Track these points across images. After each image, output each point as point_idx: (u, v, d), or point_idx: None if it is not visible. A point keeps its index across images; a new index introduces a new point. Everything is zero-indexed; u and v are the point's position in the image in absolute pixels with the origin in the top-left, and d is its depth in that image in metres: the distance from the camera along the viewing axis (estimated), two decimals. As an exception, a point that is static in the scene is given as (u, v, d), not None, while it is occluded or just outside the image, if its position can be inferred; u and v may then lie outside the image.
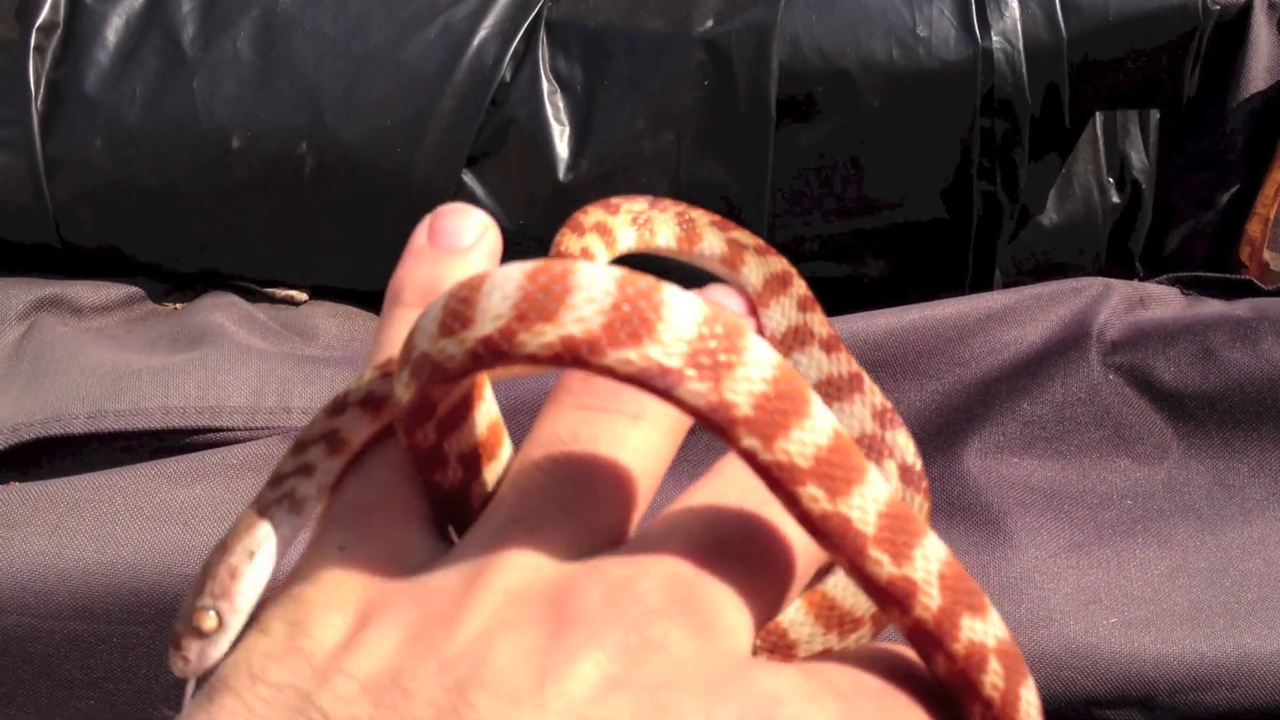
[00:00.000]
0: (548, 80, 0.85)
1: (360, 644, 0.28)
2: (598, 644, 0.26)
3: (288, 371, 0.76)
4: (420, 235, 0.35)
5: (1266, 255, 0.89)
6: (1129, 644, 0.69)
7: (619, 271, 0.27)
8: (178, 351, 0.79)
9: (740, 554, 0.29)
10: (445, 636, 0.27)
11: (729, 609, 0.28)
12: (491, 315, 0.27)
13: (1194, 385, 0.76)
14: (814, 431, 0.28)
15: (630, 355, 0.26)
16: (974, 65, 0.82)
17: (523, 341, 0.27)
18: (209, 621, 0.29)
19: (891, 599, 0.28)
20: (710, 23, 0.84)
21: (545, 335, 0.26)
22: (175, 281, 0.89)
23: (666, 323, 0.27)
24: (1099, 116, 0.89)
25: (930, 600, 0.29)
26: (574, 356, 0.27)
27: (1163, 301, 0.81)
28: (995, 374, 0.77)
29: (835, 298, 0.85)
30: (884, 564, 0.28)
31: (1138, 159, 0.91)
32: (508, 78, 0.85)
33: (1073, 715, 0.69)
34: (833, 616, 0.36)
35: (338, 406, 0.32)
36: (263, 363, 0.77)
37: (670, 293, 0.27)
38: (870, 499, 0.28)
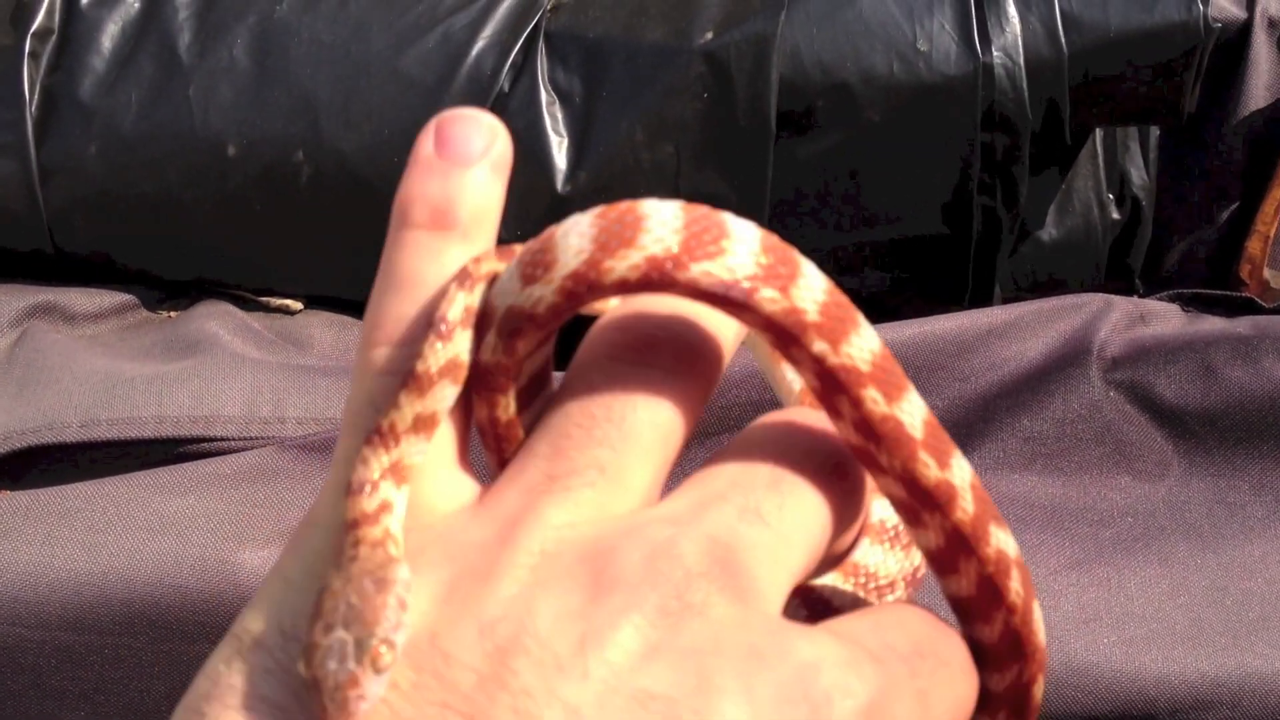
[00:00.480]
0: (546, 91, 0.85)
1: None
2: (637, 608, 0.27)
3: (283, 381, 0.75)
4: (426, 144, 0.32)
5: (1267, 273, 0.89)
6: (1130, 662, 0.69)
7: (677, 201, 0.29)
8: (171, 360, 0.78)
9: (774, 517, 0.29)
10: (481, 595, 0.27)
11: (764, 570, 0.29)
12: (573, 252, 0.29)
13: (1195, 403, 0.76)
14: (869, 339, 0.30)
15: (710, 268, 0.28)
16: (975, 80, 0.81)
17: (610, 268, 0.29)
18: (388, 657, 0.26)
19: (935, 501, 0.30)
20: (710, 35, 0.84)
21: (630, 258, 0.28)
22: (169, 290, 0.88)
23: (733, 239, 0.29)
24: (1099, 133, 0.89)
25: (968, 505, 0.30)
26: (660, 274, 0.29)
27: (1163, 318, 0.81)
28: (995, 390, 0.77)
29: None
30: (931, 467, 0.30)
31: (1138, 175, 0.91)
32: (506, 88, 0.85)
33: (1073, 734, 0.69)
34: (869, 583, 0.37)
35: (420, 384, 0.30)
36: (257, 372, 0.76)
37: (729, 215, 0.29)
38: (916, 406, 0.30)
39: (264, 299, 0.87)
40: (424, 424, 0.30)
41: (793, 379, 0.39)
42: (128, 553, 0.68)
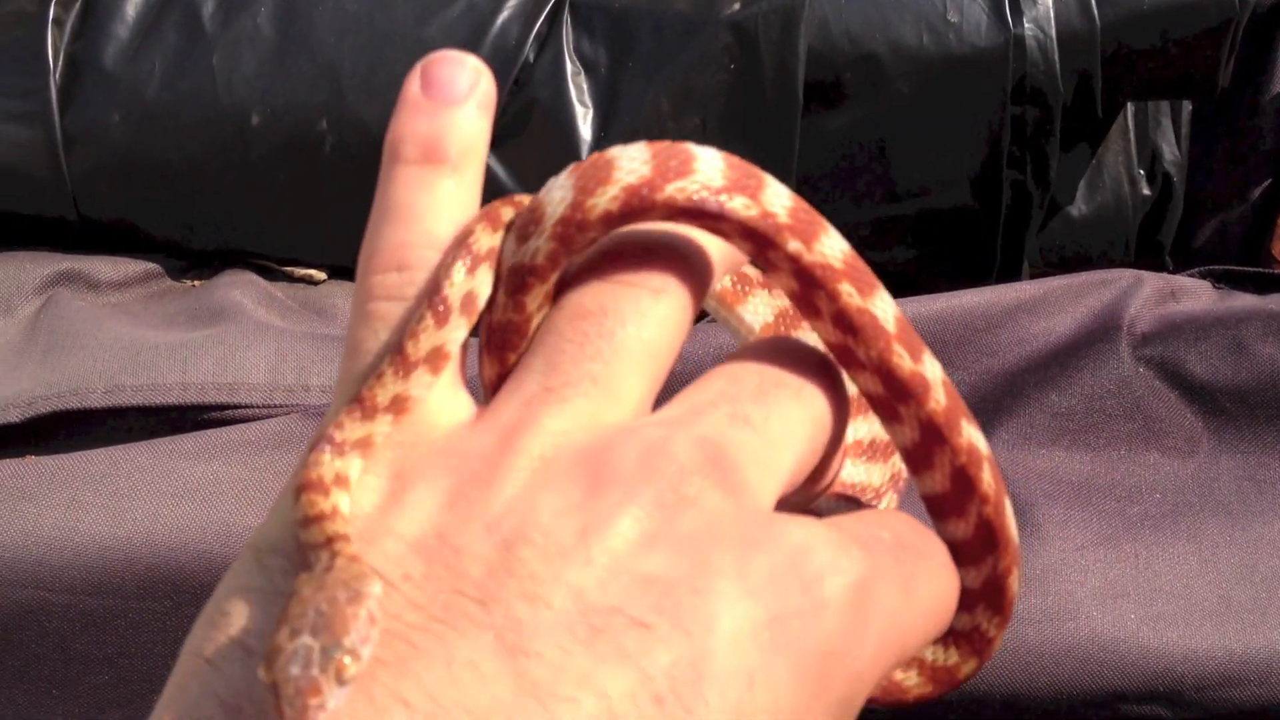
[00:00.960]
0: (571, 61, 0.84)
1: (402, 506, 0.29)
2: (635, 501, 0.28)
3: (306, 350, 0.75)
4: (413, 85, 0.33)
5: (1298, 250, 0.88)
6: (1156, 638, 0.68)
7: (641, 142, 0.32)
8: (196, 328, 0.78)
9: (761, 423, 0.31)
10: (485, 498, 0.28)
11: (754, 471, 0.30)
12: (558, 202, 0.31)
13: (1225, 379, 0.75)
14: (838, 240, 0.32)
15: (683, 185, 0.31)
16: (1005, 52, 0.81)
17: (593, 205, 0.31)
18: (353, 669, 0.26)
19: (910, 392, 0.32)
20: (737, 5, 0.83)
21: (609, 192, 0.31)
22: (193, 259, 0.88)
23: (699, 161, 0.32)
24: (1131, 107, 0.88)
25: (940, 397, 0.32)
26: (639, 199, 0.31)
27: (1194, 295, 0.80)
28: (1024, 365, 0.76)
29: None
30: (905, 359, 0.32)
31: (1169, 151, 0.90)
32: (531, 58, 0.84)
33: (1098, 709, 0.68)
34: (855, 493, 0.39)
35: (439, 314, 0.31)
36: (281, 340, 0.76)
37: (691, 143, 0.32)
38: (888, 304, 0.32)
39: (287, 269, 0.87)
40: (436, 357, 0.31)
41: (752, 320, 0.41)
42: (151, 518, 0.68)
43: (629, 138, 0.81)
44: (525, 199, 0.33)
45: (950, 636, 0.35)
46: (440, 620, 0.27)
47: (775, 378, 0.32)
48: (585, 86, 0.84)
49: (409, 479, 0.29)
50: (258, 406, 0.73)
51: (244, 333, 0.76)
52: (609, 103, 0.83)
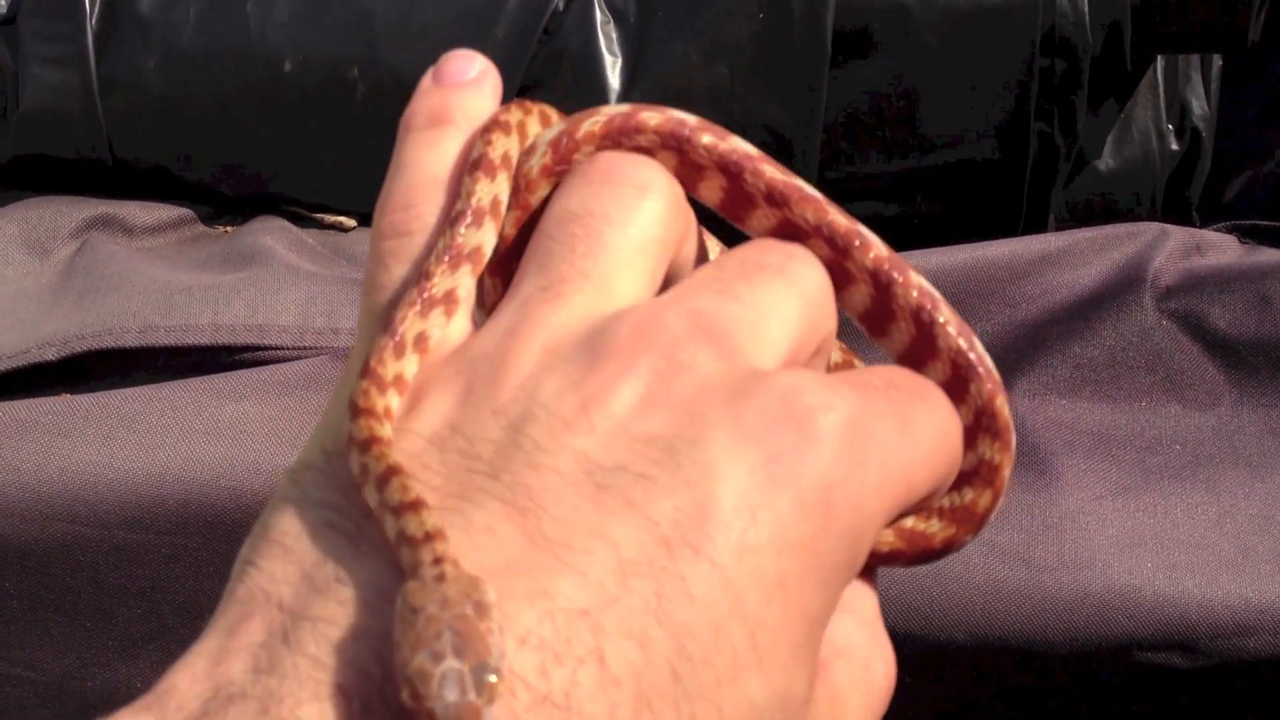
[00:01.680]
0: (600, 10, 0.85)
1: (419, 411, 0.31)
2: (632, 371, 0.30)
3: (336, 293, 0.76)
4: (426, 79, 0.37)
5: (1327, 205, 0.87)
6: (1173, 587, 0.69)
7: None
8: (228, 272, 0.79)
9: (749, 298, 0.32)
10: (492, 390, 0.31)
11: (745, 339, 0.32)
12: (551, 133, 0.35)
13: (1249, 333, 0.75)
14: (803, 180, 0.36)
15: (658, 115, 0.35)
16: (1035, 2, 0.80)
17: (579, 128, 0.35)
18: (500, 687, 0.26)
19: (850, 241, 0.35)
20: (767, -44, 0.83)
21: (594, 121, 0.35)
22: (225, 205, 0.89)
23: (672, 111, 0.36)
24: (1160, 61, 0.88)
25: (881, 248, 0.35)
26: (620, 123, 0.35)
27: (1219, 249, 0.80)
28: (1046, 316, 0.76)
29: (886, 238, 0.85)
30: (841, 217, 0.35)
31: (1198, 106, 0.90)
32: (560, 7, 0.85)
33: (1114, 657, 0.69)
34: None
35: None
36: (311, 284, 0.77)
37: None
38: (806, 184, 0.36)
39: (318, 216, 0.88)
40: (448, 300, 0.33)
41: None
42: (184, 455, 0.69)
43: (657, 87, 0.82)
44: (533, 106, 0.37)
45: (960, 477, 0.36)
46: (457, 496, 0.29)
47: (757, 261, 0.34)
48: (614, 36, 0.84)
49: (425, 389, 0.32)
50: (288, 348, 0.74)
51: (275, 276, 0.77)
52: (638, 52, 0.84)
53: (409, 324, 0.32)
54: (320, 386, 0.72)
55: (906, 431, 0.31)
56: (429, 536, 0.28)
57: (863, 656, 0.33)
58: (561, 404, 0.30)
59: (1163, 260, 0.77)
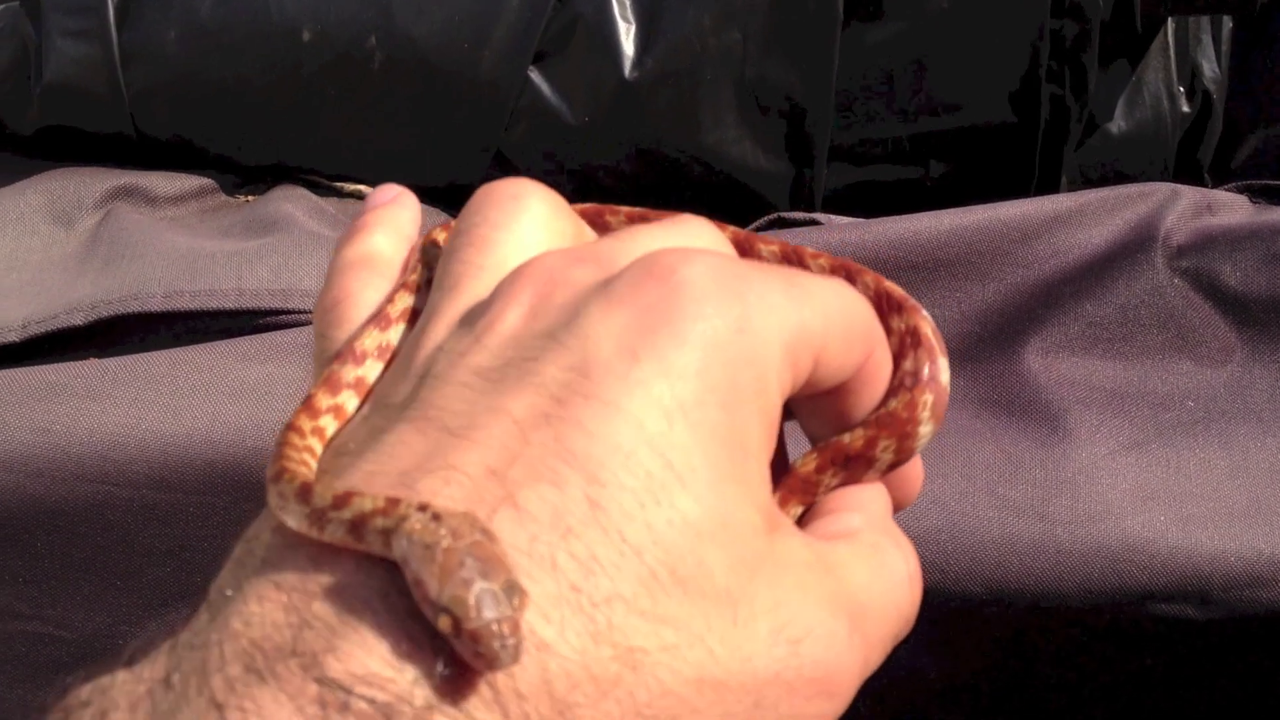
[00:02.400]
0: (615, -21, 0.85)
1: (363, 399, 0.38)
2: (517, 299, 0.33)
3: (357, 258, 0.77)
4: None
5: (1338, 164, 0.88)
6: (1186, 539, 0.69)
7: None
8: (250, 239, 0.80)
9: (629, 238, 0.35)
10: (408, 366, 0.35)
11: (623, 257, 0.34)
12: None
13: (1260, 290, 0.76)
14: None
15: None
16: (1046, -35, 0.81)
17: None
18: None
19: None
20: (779, -78, 0.84)
21: None
22: (246, 175, 0.90)
23: None
24: (1171, 24, 0.88)
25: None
26: None
27: (1230, 208, 0.81)
28: (1059, 276, 0.77)
29: (899, 202, 0.85)
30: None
31: (1209, 68, 0.90)
32: (575, -24, 0.85)
33: (1127, 608, 0.70)
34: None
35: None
36: (332, 249, 0.78)
37: None
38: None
39: (337, 184, 0.89)
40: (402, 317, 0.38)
41: None
42: (210, 416, 0.70)
43: (670, 53, 0.83)
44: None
45: (888, 392, 0.37)
46: (369, 440, 0.32)
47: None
48: (628, 2, 0.85)
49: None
50: (309, 312, 0.75)
51: (296, 243, 0.78)
52: (651, 18, 0.84)
53: (364, 338, 0.37)
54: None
55: (793, 290, 0.33)
56: (392, 501, 0.29)
57: (869, 541, 0.35)
58: (459, 343, 0.33)
59: (1174, 220, 0.77)
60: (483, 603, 0.27)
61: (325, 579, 0.29)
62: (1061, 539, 0.70)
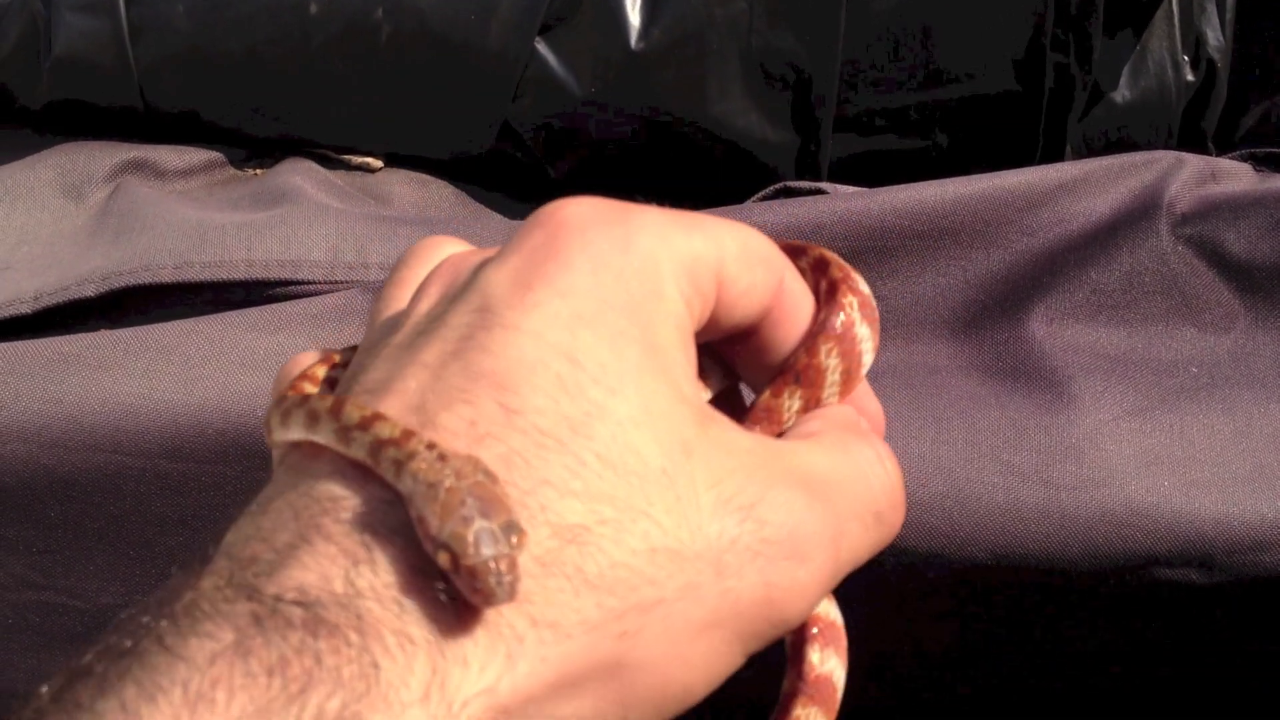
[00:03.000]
0: (621, -50, 0.85)
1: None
2: (427, 293, 0.36)
3: (365, 229, 0.78)
4: None
5: (1342, 132, 0.88)
6: (1189, 504, 0.70)
7: None
8: (259, 210, 0.81)
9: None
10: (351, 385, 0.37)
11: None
12: None
13: (1263, 257, 0.76)
14: None
15: None
16: (1050, -66, 0.81)
17: None
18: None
19: None
20: (784, -108, 0.84)
21: None
22: (255, 148, 0.90)
23: None
24: (1175, -9, 0.88)
25: None
26: None
27: (1235, 176, 0.81)
28: (1063, 244, 0.77)
29: (904, 171, 0.85)
30: None
31: (1214, 37, 0.90)
32: (581, -53, 0.85)
33: (1131, 573, 0.70)
34: None
35: None
36: (341, 221, 0.78)
37: None
38: None
39: (346, 157, 0.89)
40: None
41: None
42: (221, 386, 0.71)
43: (677, 23, 0.83)
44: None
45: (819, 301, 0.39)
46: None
47: None
48: (634, -27, 0.85)
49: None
50: (320, 283, 0.76)
51: (305, 214, 0.79)
52: (657, -10, 0.85)
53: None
54: (352, 319, 0.74)
55: (681, 220, 0.34)
56: (407, 433, 0.30)
57: (831, 438, 0.36)
58: (385, 336, 0.36)
59: (1178, 187, 0.78)
60: (481, 540, 0.28)
61: (343, 496, 0.31)
62: (1066, 504, 0.70)
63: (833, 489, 0.33)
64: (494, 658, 0.28)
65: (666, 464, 0.31)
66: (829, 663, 0.39)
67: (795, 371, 0.37)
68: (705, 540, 0.30)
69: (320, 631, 0.27)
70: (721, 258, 0.34)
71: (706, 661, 0.31)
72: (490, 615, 0.29)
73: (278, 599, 0.28)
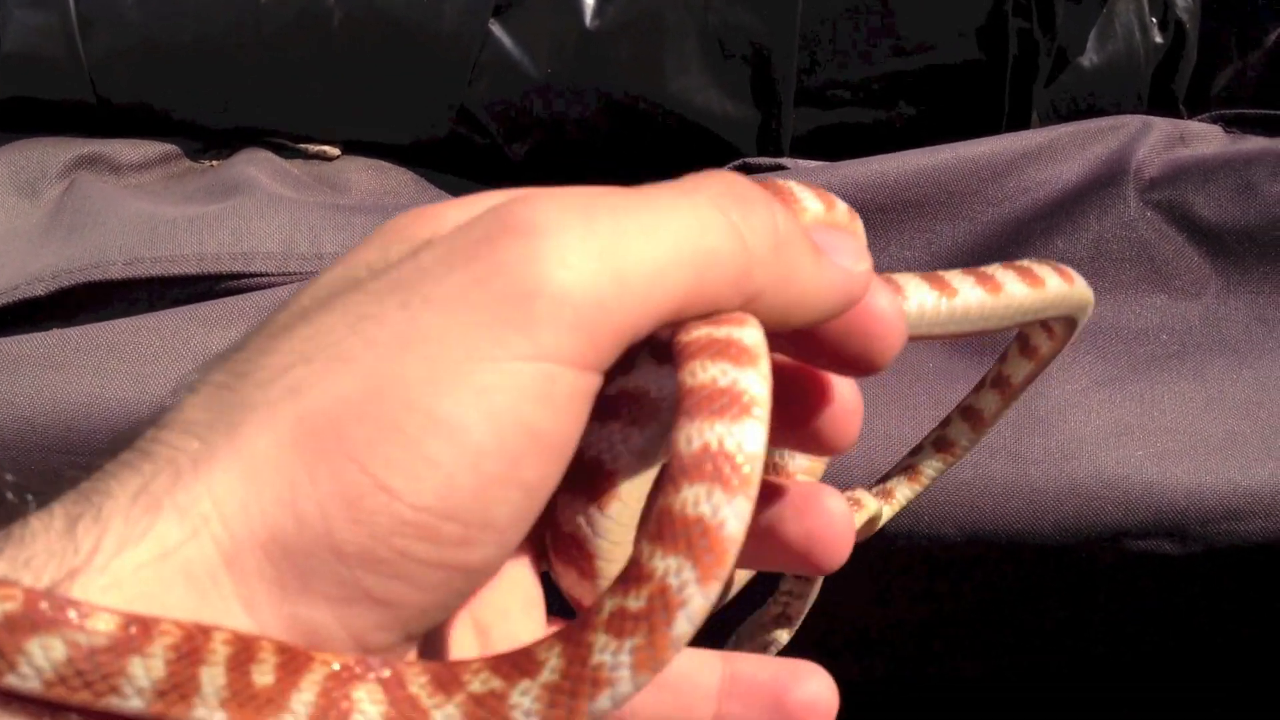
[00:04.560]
0: (575, -73, 0.84)
1: None
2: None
3: (319, 219, 0.77)
4: None
5: (1313, 91, 0.86)
6: (1161, 474, 0.69)
7: None
8: (212, 203, 0.79)
9: None
10: None
11: None
12: None
13: (1233, 220, 0.75)
14: None
15: None
16: (1010, -103, 0.80)
17: None
18: None
19: None
20: None
21: None
22: (210, 139, 0.89)
23: None
24: (1141, -47, 0.87)
25: None
26: None
27: (1204, 139, 0.79)
28: (1030, 213, 0.76)
29: (868, 144, 0.84)
30: None
31: (1181, -2, 0.89)
32: (535, -74, 0.84)
33: (1103, 545, 0.69)
34: None
35: None
36: (295, 211, 0.77)
37: None
38: None
39: (302, 146, 0.88)
40: None
41: None
42: (174, 382, 0.69)
43: (631, 2, 0.82)
44: None
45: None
46: None
47: None
48: (588, -49, 0.84)
49: None
50: (273, 275, 0.75)
51: (258, 205, 0.78)
52: (612, -33, 0.83)
53: None
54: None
55: (647, 204, 0.31)
56: None
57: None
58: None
59: (1146, 152, 0.76)
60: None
61: None
62: (1034, 478, 0.69)
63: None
64: None
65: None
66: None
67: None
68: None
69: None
70: (714, 265, 0.33)
71: None
72: None
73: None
